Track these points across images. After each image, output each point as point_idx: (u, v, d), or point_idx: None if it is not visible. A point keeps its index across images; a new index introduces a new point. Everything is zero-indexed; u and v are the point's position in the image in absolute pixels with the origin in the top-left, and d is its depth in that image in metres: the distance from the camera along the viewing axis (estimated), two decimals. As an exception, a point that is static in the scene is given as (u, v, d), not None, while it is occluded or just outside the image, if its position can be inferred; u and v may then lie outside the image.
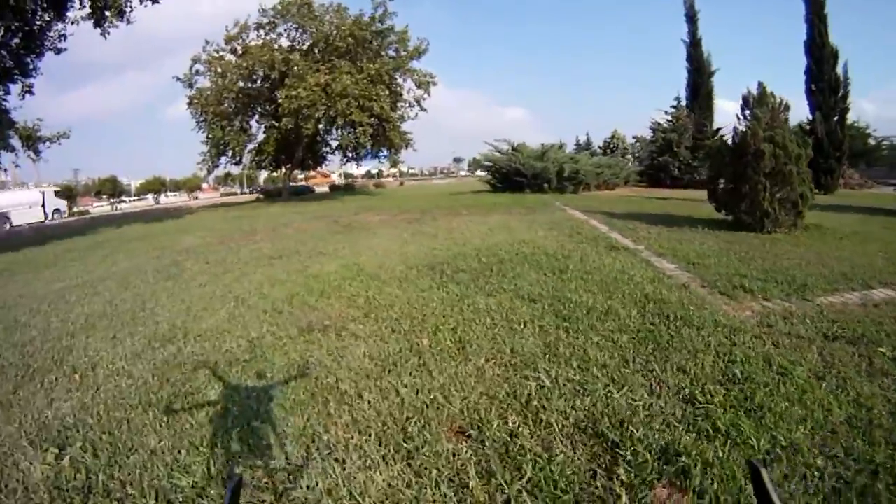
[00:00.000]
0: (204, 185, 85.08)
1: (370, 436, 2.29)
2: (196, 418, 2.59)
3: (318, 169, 37.94)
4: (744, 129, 9.47)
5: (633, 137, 35.54)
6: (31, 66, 16.11)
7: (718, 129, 27.59)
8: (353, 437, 2.29)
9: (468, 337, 3.48)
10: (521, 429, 2.22)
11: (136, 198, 76.60)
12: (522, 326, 3.61)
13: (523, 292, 4.49)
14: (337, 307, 4.41)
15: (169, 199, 68.38)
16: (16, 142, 18.39)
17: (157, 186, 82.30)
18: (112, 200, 61.86)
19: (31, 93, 16.60)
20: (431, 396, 2.62)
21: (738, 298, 4.25)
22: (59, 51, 16.23)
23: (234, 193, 67.23)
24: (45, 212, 34.52)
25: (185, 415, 2.64)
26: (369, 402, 2.62)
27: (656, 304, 3.96)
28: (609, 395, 2.50)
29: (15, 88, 16.38)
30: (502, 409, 2.45)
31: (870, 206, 12.87)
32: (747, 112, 10.19)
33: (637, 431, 2.16)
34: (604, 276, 5.01)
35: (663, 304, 3.96)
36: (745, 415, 2.30)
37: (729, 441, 2.09)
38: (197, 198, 62.23)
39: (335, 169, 61.18)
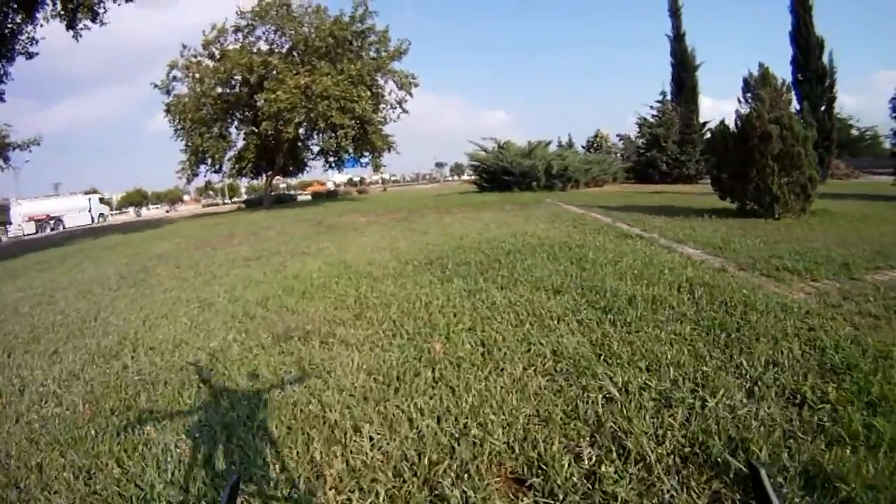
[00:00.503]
0: (185, 197, 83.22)
1: (379, 496, 1.53)
2: (125, 466, 1.87)
3: (301, 176, 36.95)
4: (747, 112, 9.04)
5: (618, 136, 35.27)
6: (2, 72, 15.24)
7: (705, 123, 27.47)
8: (352, 500, 1.54)
9: (492, 339, 2.77)
10: (603, 467, 1.53)
11: (117, 211, 74.76)
12: (557, 322, 2.94)
13: (544, 284, 3.83)
14: (321, 308, 3.69)
15: (151, 212, 66.74)
16: None
17: (138, 199, 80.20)
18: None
19: (1, 99, 15.86)
20: (461, 425, 1.87)
21: (785, 280, 3.75)
22: (30, 55, 15.38)
23: (216, 204, 65.51)
24: (91, 216, 39.34)
25: (111, 460, 1.93)
26: (372, 438, 1.86)
27: (705, 289, 3.35)
28: (702, 403, 1.86)
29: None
30: (567, 438, 1.74)
31: (866, 194, 12.62)
32: (748, 95, 9.84)
33: (760, 453, 1.53)
34: (631, 263, 4.38)
35: (713, 289, 3.35)
36: (872, 413, 1.75)
37: (879, 451, 1.52)
38: (169, 210, 60.02)
39: (319, 176, 59.98)
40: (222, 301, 4.24)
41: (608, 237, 6.03)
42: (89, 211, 39.42)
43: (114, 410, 2.42)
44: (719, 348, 2.37)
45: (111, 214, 48.54)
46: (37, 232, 32.97)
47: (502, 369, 2.35)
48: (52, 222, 35.40)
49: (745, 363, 2.17)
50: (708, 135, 27.09)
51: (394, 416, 2.00)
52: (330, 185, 62.44)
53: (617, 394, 1.99)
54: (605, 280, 3.75)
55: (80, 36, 15.38)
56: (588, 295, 3.41)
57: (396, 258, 5.57)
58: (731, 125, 9.35)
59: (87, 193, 46.07)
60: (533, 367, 2.35)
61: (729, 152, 9.26)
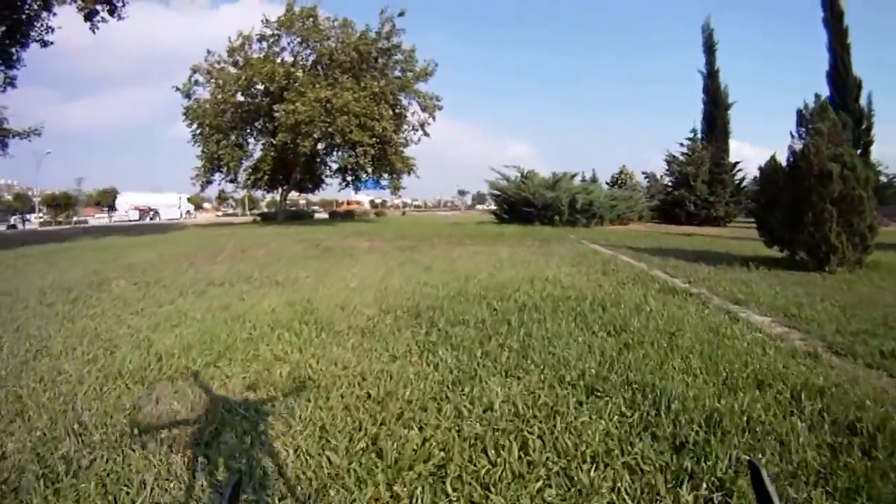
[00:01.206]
0: (206, 205, 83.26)
1: None
2: None
3: (319, 192, 36.22)
4: (802, 147, 7.86)
5: (643, 174, 34.18)
6: (15, 57, 15.13)
7: (737, 163, 26.27)
8: None
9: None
10: None
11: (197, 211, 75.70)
12: (594, 468, 1.66)
13: (571, 370, 2.56)
14: (231, 383, 2.51)
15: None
16: None
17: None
18: (110, 213, 61.65)
19: (12, 85, 15.67)
20: None
21: (899, 375, 2.61)
22: (45, 43, 15.29)
23: (235, 215, 64.76)
24: (180, 212, 46.99)
25: None
26: None
27: (818, 402, 2.14)
28: None
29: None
30: None
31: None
32: (802, 130, 8.72)
33: None
34: (692, 341, 3.10)
35: (828, 401, 2.14)
36: None
37: None
38: (140, 218, 61.81)
39: (340, 195, 58.98)
40: (127, 347, 3.14)
41: (649, 291, 4.83)
42: (179, 207, 47.23)
43: None
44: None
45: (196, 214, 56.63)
46: (140, 219, 40.47)
47: None
48: (150, 213, 43.05)
49: None
50: (738, 176, 25.93)
51: None
52: (366, 205, 61.94)
53: None
54: (664, 371, 2.52)
55: (97, 28, 15.32)
56: (640, 403, 2.14)
57: (379, 302, 4.45)
58: (783, 161, 8.21)
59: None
60: None
61: (781, 192, 8.07)
